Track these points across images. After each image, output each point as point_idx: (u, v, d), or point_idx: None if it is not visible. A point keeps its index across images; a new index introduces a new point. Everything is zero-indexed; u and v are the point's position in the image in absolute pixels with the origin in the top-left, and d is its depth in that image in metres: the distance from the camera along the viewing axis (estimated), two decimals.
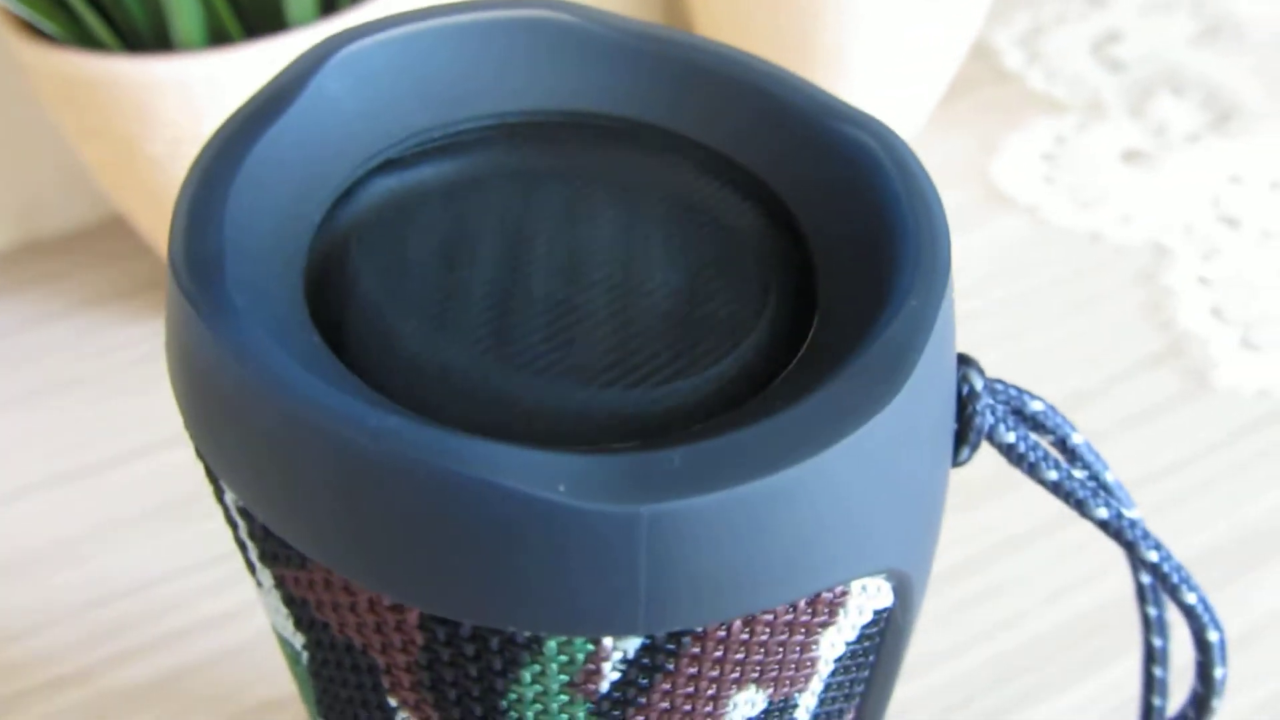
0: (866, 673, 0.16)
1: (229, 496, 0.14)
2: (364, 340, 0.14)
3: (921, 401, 0.14)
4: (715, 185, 0.17)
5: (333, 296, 0.15)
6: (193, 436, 0.14)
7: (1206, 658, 0.17)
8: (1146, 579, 0.18)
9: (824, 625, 0.14)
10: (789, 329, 0.15)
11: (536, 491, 0.12)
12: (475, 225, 0.16)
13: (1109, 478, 0.17)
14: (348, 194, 0.16)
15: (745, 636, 0.14)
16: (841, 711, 0.16)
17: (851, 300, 0.15)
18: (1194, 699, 0.18)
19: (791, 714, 0.15)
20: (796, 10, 0.44)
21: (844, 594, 0.14)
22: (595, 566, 0.12)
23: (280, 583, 0.15)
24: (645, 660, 0.13)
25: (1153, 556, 0.16)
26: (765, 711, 0.15)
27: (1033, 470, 0.16)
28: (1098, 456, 0.17)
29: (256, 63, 0.32)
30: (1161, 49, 0.54)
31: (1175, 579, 0.16)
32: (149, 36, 0.33)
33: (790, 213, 0.16)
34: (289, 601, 0.15)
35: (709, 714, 0.14)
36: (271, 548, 0.14)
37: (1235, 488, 0.36)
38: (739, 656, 0.14)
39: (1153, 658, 0.19)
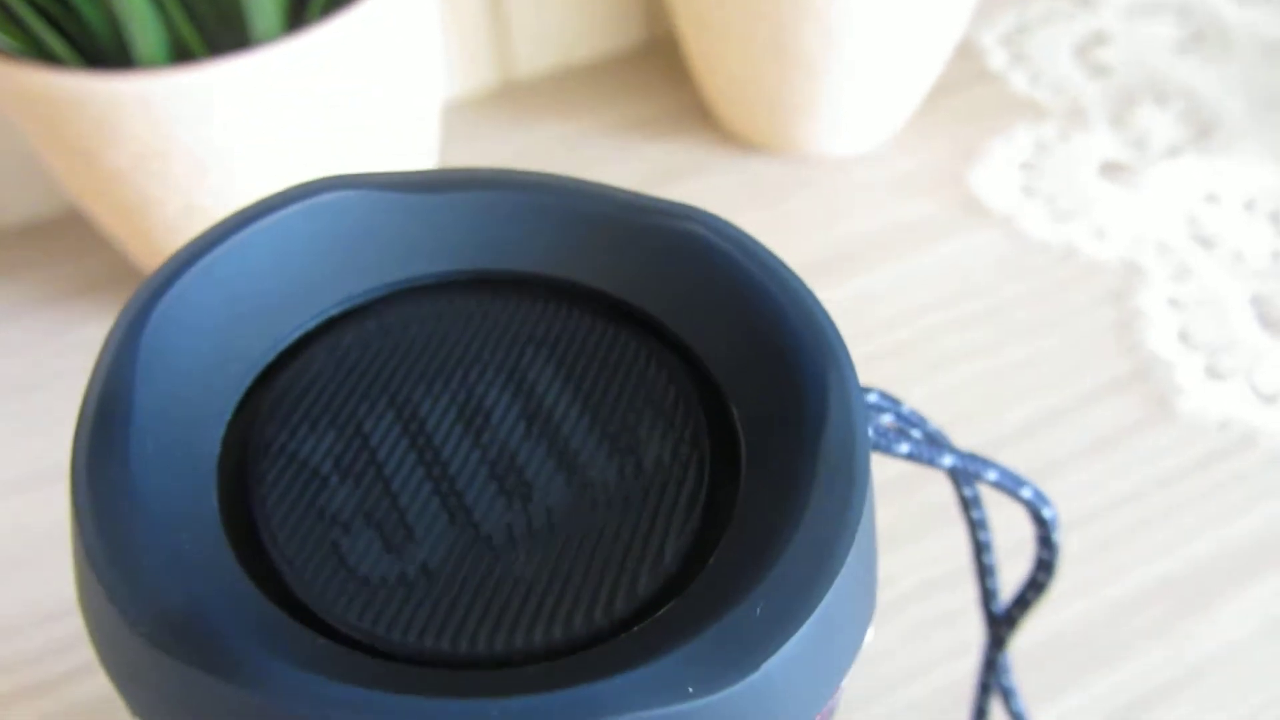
0: None
1: None
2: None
3: (868, 471, 0.14)
4: (599, 323, 0.16)
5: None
6: None
7: (1045, 530, 0.20)
8: (968, 493, 0.21)
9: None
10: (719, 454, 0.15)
11: (678, 705, 0.11)
12: (383, 428, 0.15)
13: (940, 433, 0.20)
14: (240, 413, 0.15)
15: None
16: None
17: (771, 416, 0.15)
18: (1039, 564, 0.21)
19: None
20: (777, 7, 0.43)
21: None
22: None
23: None
24: None
25: (992, 476, 0.19)
26: None
27: (930, 463, 0.18)
28: (926, 420, 0.19)
29: (220, 79, 0.32)
30: (1146, 55, 0.53)
31: (1011, 485, 0.19)
32: (112, 52, 0.33)
33: (662, 325, 0.16)
34: None
35: None
36: None
37: (1192, 519, 0.36)
38: None
39: (981, 549, 0.22)
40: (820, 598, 0.12)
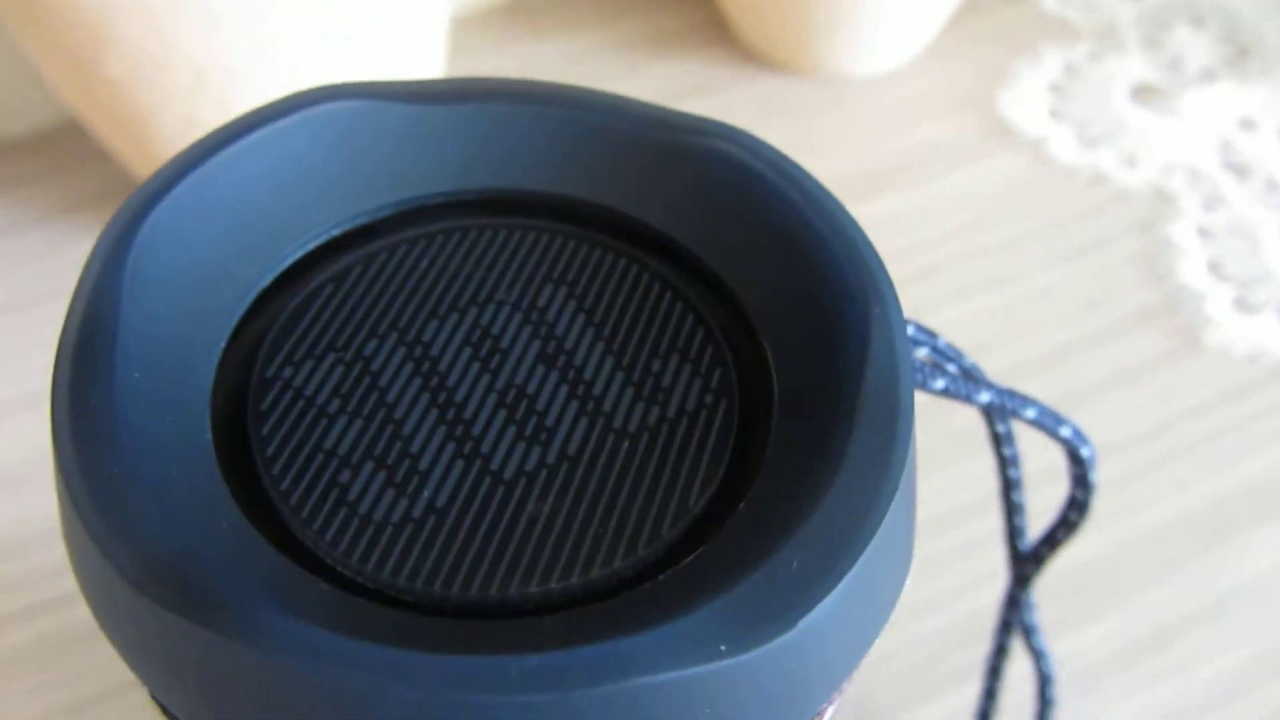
0: None
1: None
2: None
3: (911, 412, 0.13)
4: (609, 245, 0.15)
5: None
6: None
7: (1081, 470, 0.20)
8: (1001, 429, 0.21)
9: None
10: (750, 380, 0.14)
11: (709, 665, 0.10)
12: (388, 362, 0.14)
13: (976, 367, 0.19)
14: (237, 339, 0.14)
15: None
16: None
17: (805, 355, 0.14)
18: (1072, 502, 0.21)
19: None
20: None
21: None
22: (769, 703, 0.11)
23: None
24: None
25: (1031, 413, 0.18)
26: None
27: (967, 399, 0.17)
28: (963, 354, 0.19)
29: None
30: None
31: (1050, 423, 0.18)
32: None
33: (678, 244, 0.15)
34: None
35: None
36: None
37: (1219, 452, 0.35)
38: None
39: (1011, 486, 0.22)
40: (861, 550, 0.11)
